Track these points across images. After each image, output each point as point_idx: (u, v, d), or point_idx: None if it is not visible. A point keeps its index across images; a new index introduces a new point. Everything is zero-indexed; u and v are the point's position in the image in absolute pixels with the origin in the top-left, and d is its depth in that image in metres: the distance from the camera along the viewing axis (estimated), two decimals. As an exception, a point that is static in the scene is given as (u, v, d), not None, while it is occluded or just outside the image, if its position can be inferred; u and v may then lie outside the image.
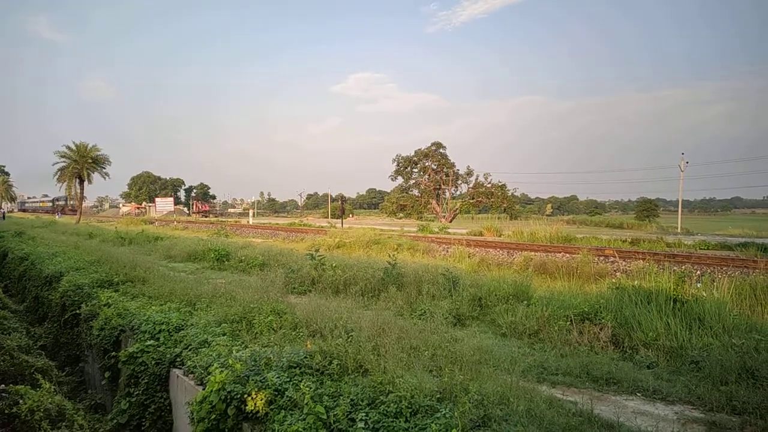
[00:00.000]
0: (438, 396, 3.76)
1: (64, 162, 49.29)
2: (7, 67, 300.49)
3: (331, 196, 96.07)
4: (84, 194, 53.28)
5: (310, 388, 3.96)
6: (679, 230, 34.51)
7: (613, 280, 9.01)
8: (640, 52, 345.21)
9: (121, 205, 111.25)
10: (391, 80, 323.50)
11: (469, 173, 59.97)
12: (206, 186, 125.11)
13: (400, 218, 59.14)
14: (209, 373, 4.72)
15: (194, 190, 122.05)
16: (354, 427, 3.54)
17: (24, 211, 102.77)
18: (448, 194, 61.63)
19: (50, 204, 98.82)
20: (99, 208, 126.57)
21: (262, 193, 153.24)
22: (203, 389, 4.65)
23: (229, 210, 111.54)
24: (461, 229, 30.81)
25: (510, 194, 57.34)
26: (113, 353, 6.95)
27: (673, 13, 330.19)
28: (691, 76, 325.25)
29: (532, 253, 16.10)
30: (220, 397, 4.33)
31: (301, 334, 5.63)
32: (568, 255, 15.27)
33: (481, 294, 7.90)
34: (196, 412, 4.47)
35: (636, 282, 7.60)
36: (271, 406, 4.04)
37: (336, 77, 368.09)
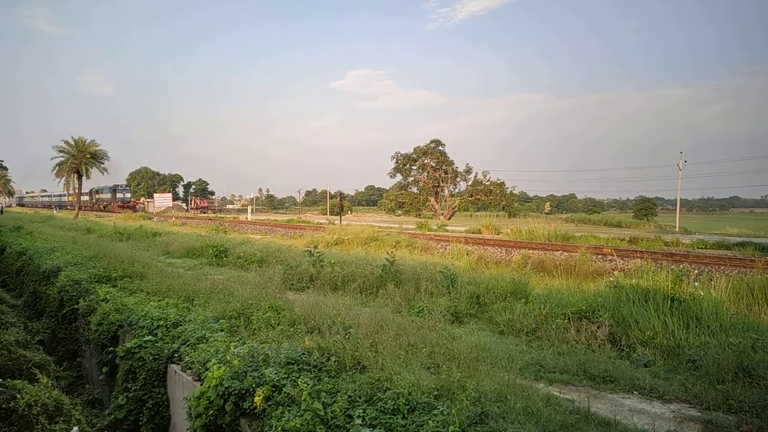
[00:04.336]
0: (435, 393, 3.77)
1: (62, 157, 49.14)
2: (5, 62, 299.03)
3: (329, 193, 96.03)
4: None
5: (308, 384, 3.96)
6: (677, 229, 34.53)
7: (611, 279, 9.01)
8: (639, 50, 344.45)
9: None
10: (391, 77, 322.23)
11: (468, 171, 60.02)
12: (205, 182, 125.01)
13: (399, 215, 59.16)
14: (207, 369, 4.73)
15: (193, 186, 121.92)
16: (351, 423, 3.54)
17: (23, 206, 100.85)
18: (446, 192, 61.64)
19: (88, 198, 71.99)
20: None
21: (260, 190, 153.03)
22: (201, 385, 4.66)
23: (227, 206, 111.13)
24: (460, 227, 30.81)
25: (509, 192, 57.35)
26: (111, 348, 6.95)
27: (673, 12, 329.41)
28: (691, 74, 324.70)
29: (531, 251, 16.12)
30: (217, 392, 4.34)
31: (299, 330, 5.64)
32: (566, 253, 15.29)
33: (479, 292, 7.91)
34: (194, 408, 4.48)
35: (634, 280, 7.60)
36: (269, 402, 4.05)
37: (335, 74, 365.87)
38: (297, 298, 7.67)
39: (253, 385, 4.20)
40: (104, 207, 65.38)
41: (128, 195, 70.99)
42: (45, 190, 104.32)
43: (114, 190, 68.03)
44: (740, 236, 23.54)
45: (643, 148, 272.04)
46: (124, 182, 76.06)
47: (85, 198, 72.53)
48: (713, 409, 4.09)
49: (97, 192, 71.74)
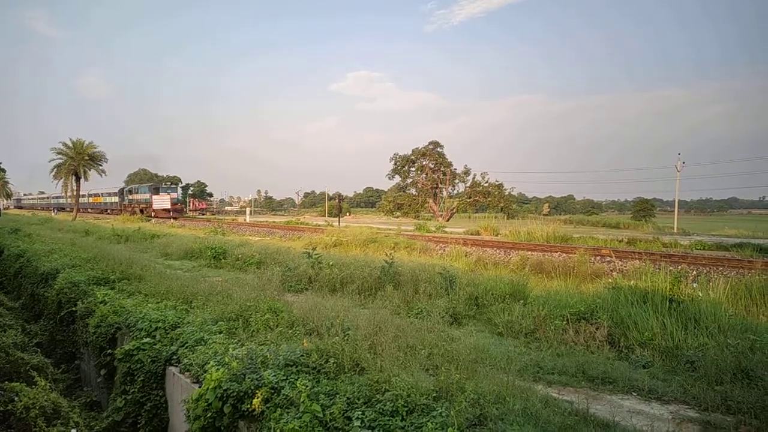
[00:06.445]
0: (434, 395, 3.77)
1: (60, 159, 49.05)
2: (4, 63, 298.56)
3: (328, 194, 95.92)
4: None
5: (307, 386, 3.96)
6: (675, 230, 34.59)
7: (610, 280, 9.03)
8: (640, 51, 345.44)
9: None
10: (390, 79, 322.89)
11: (467, 172, 60.03)
12: (203, 184, 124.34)
13: (397, 217, 59.15)
14: (206, 371, 4.72)
15: (191, 188, 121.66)
16: (350, 425, 3.54)
17: (20, 208, 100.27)
18: (445, 193, 61.65)
19: (117, 199, 58.32)
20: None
21: (259, 191, 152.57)
22: (199, 387, 4.65)
23: (226, 208, 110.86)
24: (458, 228, 30.82)
25: (507, 193, 57.38)
26: (109, 351, 6.94)
27: (674, 13, 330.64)
28: (691, 75, 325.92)
29: (529, 252, 16.14)
30: (216, 394, 4.34)
31: (298, 332, 5.64)
32: (564, 254, 15.31)
33: (477, 293, 7.91)
34: (192, 410, 4.47)
35: (632, 282, 7.62)
36: (268, 404, 4.04)
37: (334, 76, 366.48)
38: (295, 299, 7.67)
39: (252, 387, 4.19)
40: (142, 210, 50.04)
41: (176, 196, 53.95)
42: (43, 192, 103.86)
43: (156, 189, 52.18)
44: (738, 237, 23.62)
45: (643, 149, 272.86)
46: (129, 179, 64.58)
47: (113, 200, 60.43)
48: (712, 410, 4.09)
49: (130, 192, 56.48)
